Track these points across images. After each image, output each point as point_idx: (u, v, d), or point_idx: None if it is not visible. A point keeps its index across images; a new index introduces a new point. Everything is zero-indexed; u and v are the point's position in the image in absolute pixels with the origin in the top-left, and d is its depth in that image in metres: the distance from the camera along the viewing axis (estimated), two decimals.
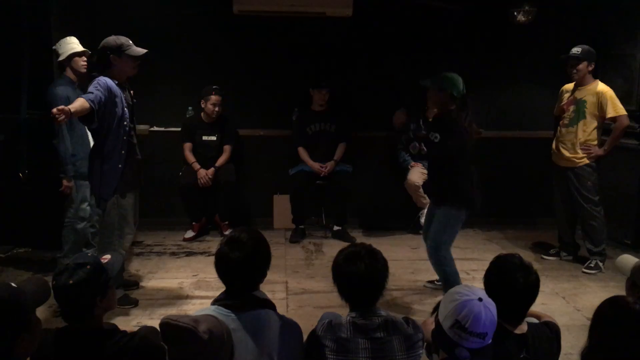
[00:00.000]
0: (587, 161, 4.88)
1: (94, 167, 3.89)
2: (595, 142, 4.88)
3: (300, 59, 5.95)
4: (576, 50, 4.82)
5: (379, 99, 6.04)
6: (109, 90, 3.71)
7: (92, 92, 3.62)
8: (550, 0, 5.87)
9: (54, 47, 4.48)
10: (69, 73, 4.43)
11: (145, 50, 3.90)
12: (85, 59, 4.41)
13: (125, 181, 3.90)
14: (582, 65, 4.80)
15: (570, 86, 5.03)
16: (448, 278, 4.01)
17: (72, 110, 3.41)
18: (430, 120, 4.27)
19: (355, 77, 6.08)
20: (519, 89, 6.22)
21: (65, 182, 4.35)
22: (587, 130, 4.86)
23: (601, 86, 4.84)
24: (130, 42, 3.90)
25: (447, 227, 3.99)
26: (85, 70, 4.39)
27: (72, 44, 4.39)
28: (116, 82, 3.82)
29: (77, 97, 4.15)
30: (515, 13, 5.87)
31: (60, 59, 4.41)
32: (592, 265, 4.94)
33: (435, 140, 3.81)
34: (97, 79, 3.74)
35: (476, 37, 6.02)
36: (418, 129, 5.78)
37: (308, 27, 5.85)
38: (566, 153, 4.95)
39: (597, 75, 4.95)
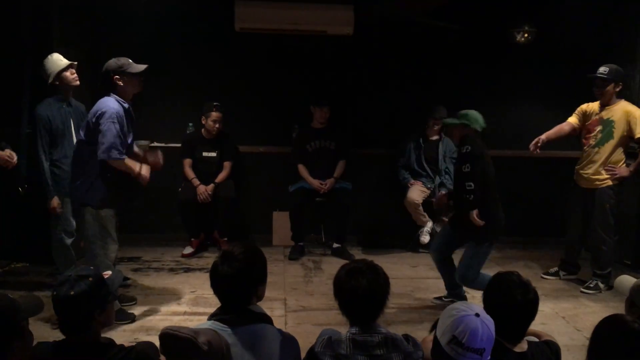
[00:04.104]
0: (609, 183, 4.76)
1: (83, 171, 3.92)
2: (622, 163, 4.78)
3: (301, 77, 5.99)
4: (603, 69, 4.64)
5: (379, 116, 6.08)
6: (121, 116, 3.85)
7: (119, 137, 3.80)
8: (549, 20, 5.92)
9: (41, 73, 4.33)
10: (60, 90, 4.33)
11: (145, 66, 3.96)
12: (73, 70, 4.31)
13: (116, 194, 3.93)
14: (610, 87, 4.65)
15: (592, 106, 4.88)
16: None
17: (144, 171, 4.02)
18: (457, 152, 4.39)
19: (355, 94, 6.12)
20: (521, 108, 6.21)
21: (50, 202, 4.32)
22: (615, 150, 4.75)
23: (629, 106, 4.71)
24: (130, 60, 3.95)
25: (475, 262, 4.11)
26: (77, 82, 4.32)
27: (57, 61, 4.26)
28: (125, 104, 3.92)
29: (64, 114, 4.24)
30: (515, 34, 5.91)
31: (50, 81, 4.27)
32: (591, 285, 4.91)
33: (466, 170, 3.95)
34: (106, 111, 3.79)
35: (475, 56, 6.06)
36: (418, 147, 5.83)
37: (309, 45, 5.91)
38: (589, 174, 4.84)
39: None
